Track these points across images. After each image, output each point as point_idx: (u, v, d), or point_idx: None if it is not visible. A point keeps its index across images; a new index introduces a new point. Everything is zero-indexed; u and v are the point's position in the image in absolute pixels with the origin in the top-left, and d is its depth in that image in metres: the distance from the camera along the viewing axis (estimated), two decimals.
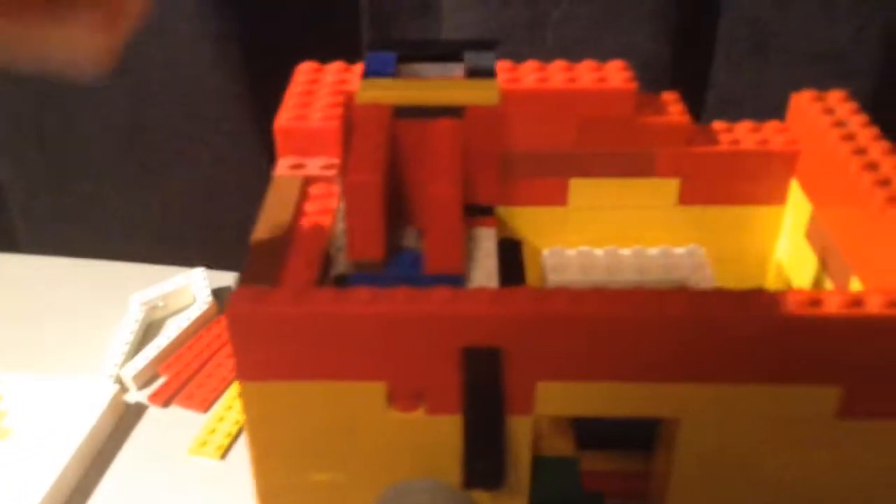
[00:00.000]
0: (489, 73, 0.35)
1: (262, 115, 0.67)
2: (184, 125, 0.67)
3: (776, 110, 0.42)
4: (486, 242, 0.33)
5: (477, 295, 0.29)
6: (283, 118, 0.37)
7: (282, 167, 0.36)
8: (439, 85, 0.34)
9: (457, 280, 0.31)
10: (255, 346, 0.29)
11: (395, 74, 0.35)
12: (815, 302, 0.28)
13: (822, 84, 0.41)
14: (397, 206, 0.32)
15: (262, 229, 0.32)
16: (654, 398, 0.30)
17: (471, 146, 0.32)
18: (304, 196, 0.35)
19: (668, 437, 0.32)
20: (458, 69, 0.36)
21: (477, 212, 0.33)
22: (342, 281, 0.31)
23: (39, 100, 0.67)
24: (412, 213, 0.33)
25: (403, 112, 0.33)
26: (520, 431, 0.30)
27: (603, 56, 0.40)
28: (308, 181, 0.36)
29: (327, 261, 0.33)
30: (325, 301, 0.28)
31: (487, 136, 0.34)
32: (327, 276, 0.32)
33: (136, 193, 0.71)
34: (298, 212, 0.34)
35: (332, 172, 0.36)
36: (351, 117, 0.33)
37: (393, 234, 0.32)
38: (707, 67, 0.58)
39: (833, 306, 0.28)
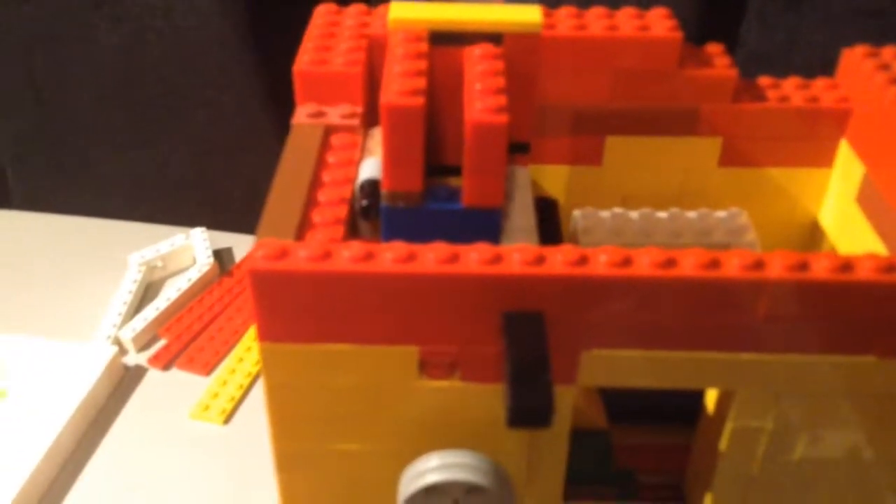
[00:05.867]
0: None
1: (264, 69, 0.65)
2: (181, 78, 0.64)
3: (809, 70, 0.40)
4: (521, 180, 0.31)
5: (518, 254, 0.26)
6: (303, 61, 0.34)
7: (301, 115, 0.34)
8: (478, 9, 0.32)
9: (495, 214, 0.29)
10: (277, 306, 0.26)
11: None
12: (886, 267, 0.26)
13: (860, 43, 0.39)
14: (431, 143, 0.30)
15: (281, 181, 0.30)
16: (708, 368, 0.28)
17: (509, 76, 0.30)
18: (325, 146, 0.32)
19: (718, 410, 0.30)
20: None
21: (511, 148, 0.31)
22: (374, 213, 0.29)
23: (29, 46, 0.64)
24: (445, 146, 0.30)
25: (438, 38, 0.31)
26: (561, 402, 0.28)
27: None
28: (329, 130, 0.33)
29: (352, 217, 0.30)
30: (354, 259, 0.26)
31: (526, 67, 0.31)
32: (351, 233, 0.30)
33: (133, 149, 0.68)
34: (320, 163, 0.31)
35: (354, 121, 0.33)
36: (372, 51, 0.30)
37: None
38: (736, 25, 0.56)
39: None
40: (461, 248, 0.26)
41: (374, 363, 0.28)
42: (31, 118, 0.67)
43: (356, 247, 0.26)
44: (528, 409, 0.24)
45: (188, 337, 0.54)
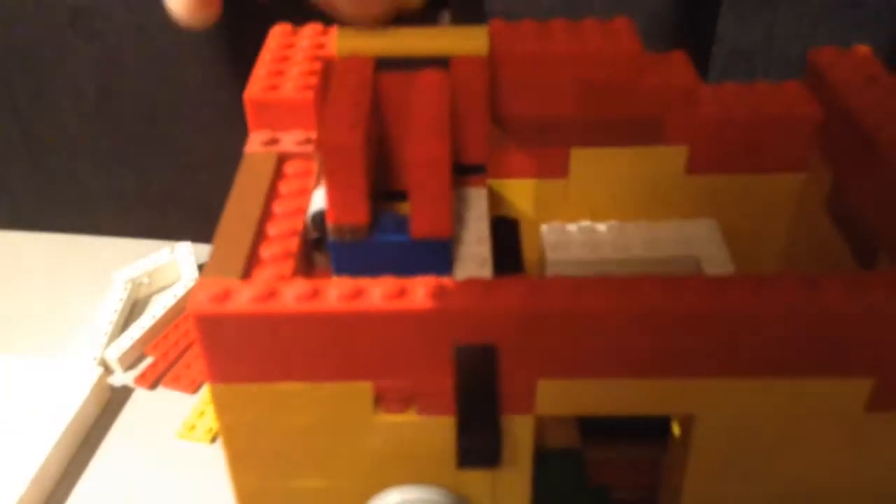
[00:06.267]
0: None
1: (243, 81, 0.64)
2: (160, 93, 0.64)
3: (788, 65, 0.39)
4: (477, 203, 0.31)
5: (468, 288, 0.26)
6: (254, 88, 0.33)
7: (253, 143, 0.33)
8: (424, 34, 0.31)
9: (445, 245, 0.28)
10: (224, 348, 0.26)
11: None
12: (852, 286, 0.25)
13: (839, 36, 0.38)
14: (382, 167, 0.29)
15: (230, 215, 0.30)
16: (667, 395, 0.27)
17: (458, 100, 0.30)
18: (278, 175, 0.32)
19: (682, 432, 0.29)
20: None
21: (465, 170, 0.30)
22: (321, 245, 0.29)
23: (7, 66, 0.64)
24: (397, 170, 0.30)
25: (385, 64, 0.30)
26: (520, 432, 0.27)
27: (604, 9, 0.36)
28: (282, 158, 0.33)
29: (304, 249, 0.30)
30: (300, 298, 0.26)
31: (476, 88, 0.31)
32: (303, 267, 0.29)
33: (114, 165, 0.68)
34: (272, 193, 0.31)
35: (308, 148, 0.33)
36: (329, 75, 0.30)
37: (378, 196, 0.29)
38: (713, 20, 0.55)
39: (875, 292, 0.25)
40: (409, 282, 0.26)
41: (328, 400, 0.27)
42: (11, 137, 0.67)
43: (302, 285, 0.26)
44: (475, 451, 0.23)
45: (174, 354, 0.54)
